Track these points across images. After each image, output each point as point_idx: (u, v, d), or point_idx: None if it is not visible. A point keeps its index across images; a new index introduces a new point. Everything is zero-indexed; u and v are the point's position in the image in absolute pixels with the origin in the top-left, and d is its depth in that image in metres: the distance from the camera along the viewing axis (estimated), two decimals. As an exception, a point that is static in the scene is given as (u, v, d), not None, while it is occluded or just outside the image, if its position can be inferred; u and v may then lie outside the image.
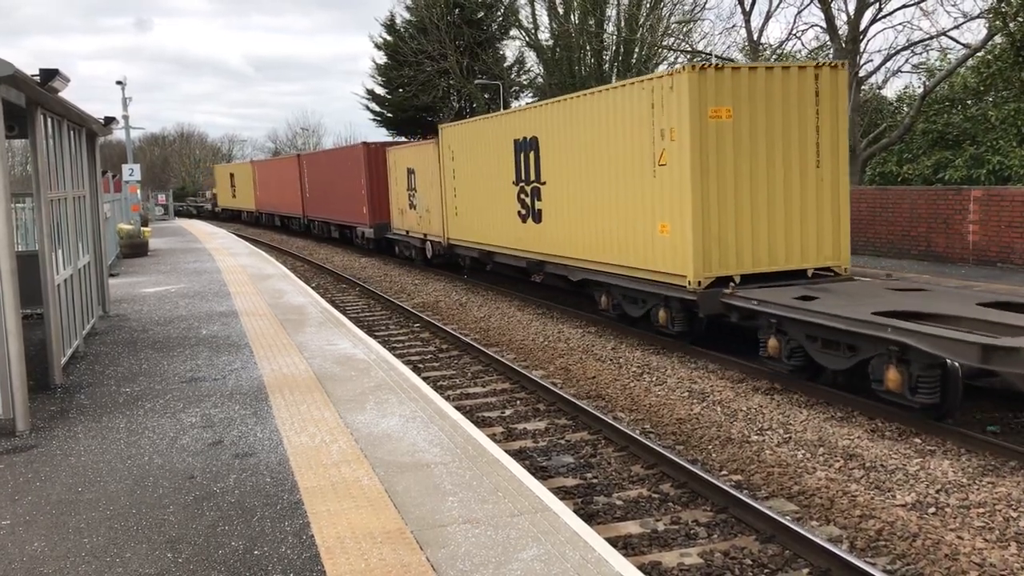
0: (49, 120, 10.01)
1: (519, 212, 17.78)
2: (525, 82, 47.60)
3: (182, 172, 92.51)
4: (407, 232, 26.11)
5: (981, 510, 6.99)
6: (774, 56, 31.57)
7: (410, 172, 25.22)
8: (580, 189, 15.05)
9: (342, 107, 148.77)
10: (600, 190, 14.36)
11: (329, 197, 34.72)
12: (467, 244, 21.38)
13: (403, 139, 44.15)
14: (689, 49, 35.68)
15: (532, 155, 16.88)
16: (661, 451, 8.35)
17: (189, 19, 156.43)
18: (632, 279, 13.66)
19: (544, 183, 16.50)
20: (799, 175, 12.33)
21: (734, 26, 44.94)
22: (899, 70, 48.46)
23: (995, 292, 12.45)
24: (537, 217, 16.96)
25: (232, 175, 57.11)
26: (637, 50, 37.46)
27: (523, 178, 17.43)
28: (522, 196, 17.54)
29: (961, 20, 39.94)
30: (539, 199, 16.77)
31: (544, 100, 16.93)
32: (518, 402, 10.86)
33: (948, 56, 29.88)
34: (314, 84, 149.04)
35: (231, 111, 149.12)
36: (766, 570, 6.21)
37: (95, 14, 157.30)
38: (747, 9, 30.80)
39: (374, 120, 52.47)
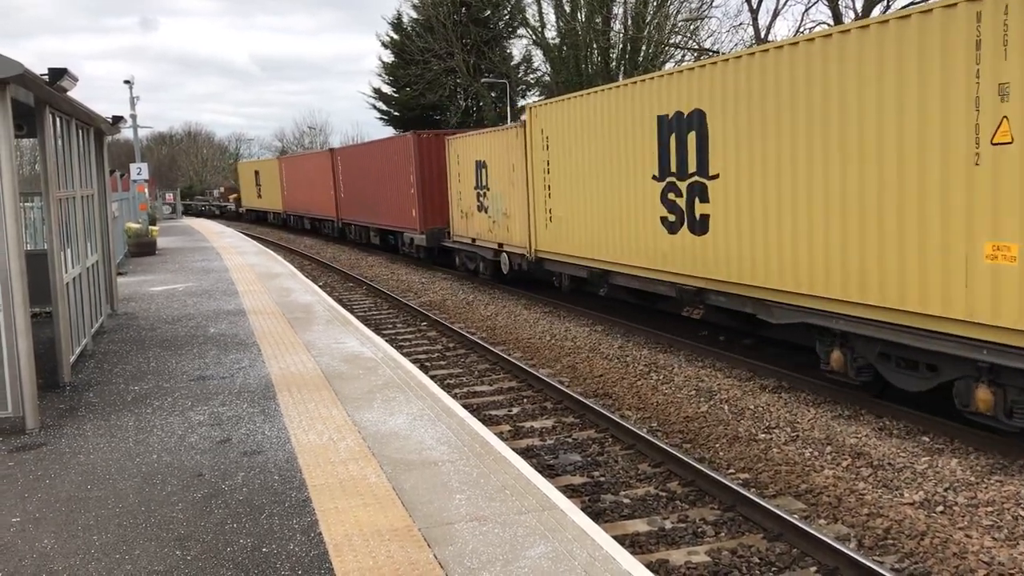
0: (57, 119, 10.05)
1: (664, 218, 12.97)
2: (532, 81, 47.66)
3: (190, 171, 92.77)
4: (473, 240, 21.57)
5: (989, 509, 6.97)
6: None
7: (480, 166, 20.74)
8: (793, 185, 10.19)
9: (346, 106, 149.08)
10: (838, 186, 9.46)
11: (369, 197, 30.07)
12: (567, 259, 16.52)
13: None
14: (696, 47, 35.62)
15: (692, 137, 12.08)
16: (668, 449, 8.34)
17: (194, 19, 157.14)
18: (909, 331, 8.69)
19: (715, 177, 11.71)
20: None
21: (741, 24, 44.88)
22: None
23: None
24: (699, 225, 12.12)
25: (257, 173, 52.59)
26: (644, 48, 37.42)
27: (673, 170, 12.65)
28: (670, 196, 12.75)
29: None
30: (703, 199, 11.97)
31: (719, 56, 12.56)
32: (525, 400, 10.86)
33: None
34: (317, 84, 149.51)
35: (237, 110, 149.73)
36: (774, 568, 6.21)
37: (100, 14, 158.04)
38: (754, 7, 30.73)
39: (381, 119, 52.63)
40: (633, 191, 13.81)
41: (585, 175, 15.46)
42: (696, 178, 12.17)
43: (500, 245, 19.91)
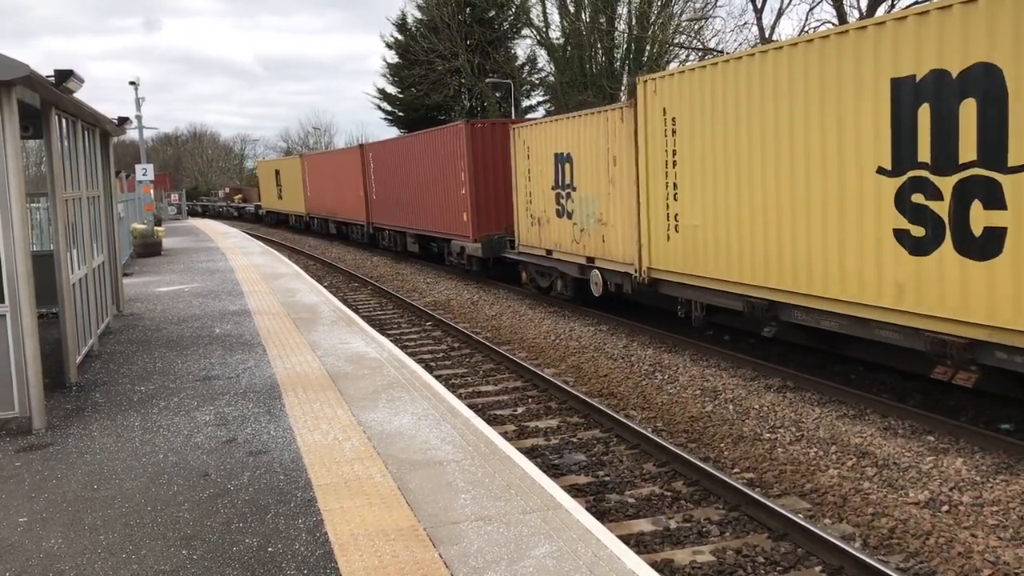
0: (63, 120, 10.08)
1: (902, 232, 8.84)
2: (536, 81, 47.72)
3: (195, 172, 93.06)
4: (549, 252, 17.62)
5: (995, 508, 6.96)
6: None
7: (561, 160, 16.78)
8: None
9: (351, 107, 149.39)
10: None
11: (407, 199, 26.54)
12: (705, 283, 12.35)
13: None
14: (700, 47, 35.60)
15: (971, 108, 8.00)
16: (673, 449, 8.35)
17: (198, 19, 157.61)
18: None
19: (1018, 169, 7.63)
20: None
21: (745, 23, 44.77)
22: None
23: None
24: (979, 244, 8.06)
25: (278, 172, 48.46)
26: (648, 48, 37.44)
27: (923, 159, 8.55)
28: (916, 198, 8.64)
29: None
30: (992, 204, 7.88)
31: None
32: (530, 400, 10.87)
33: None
34: (322, 84, 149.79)
35: (241, 111, 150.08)
36: (778, 568, 6.21)
37: (105, 15, 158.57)
38: (759, 6, 30.71)
39: (385, 119, 52.80)
40: (836, 190, 9.70)
41: (740, 168, 11.33)
42: (976, 170, 8.03)
43: (590, 260, 15.86)
